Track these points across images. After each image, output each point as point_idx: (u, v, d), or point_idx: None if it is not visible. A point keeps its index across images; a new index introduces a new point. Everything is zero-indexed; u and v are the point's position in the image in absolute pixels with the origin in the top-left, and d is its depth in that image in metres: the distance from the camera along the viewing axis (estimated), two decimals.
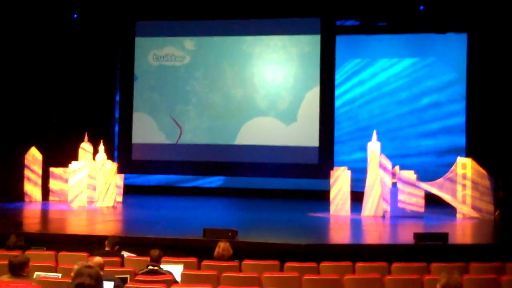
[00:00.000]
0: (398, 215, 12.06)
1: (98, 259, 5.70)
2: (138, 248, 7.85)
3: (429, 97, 16.30)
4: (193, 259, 6.92)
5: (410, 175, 12.34)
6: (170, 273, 6.15)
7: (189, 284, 6.03)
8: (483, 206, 12.02)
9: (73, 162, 13.35)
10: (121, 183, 14.34)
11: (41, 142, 14.80)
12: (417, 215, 11.96)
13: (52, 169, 14.34)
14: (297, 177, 16.43)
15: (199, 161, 16.82)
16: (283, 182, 16.61)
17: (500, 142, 14.16)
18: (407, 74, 16.54)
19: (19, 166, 13.97)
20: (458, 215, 12.10)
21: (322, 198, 13.88)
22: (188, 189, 17.27)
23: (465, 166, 12.16)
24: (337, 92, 16.62)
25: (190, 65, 17.10)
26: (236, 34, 16.96)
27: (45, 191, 14.20)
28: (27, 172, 13.95)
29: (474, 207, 12.03)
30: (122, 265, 6.81)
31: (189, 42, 17.15)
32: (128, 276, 5.94)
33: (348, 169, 12.58)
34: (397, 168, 12.70)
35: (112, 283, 5.14)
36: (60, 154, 15.00)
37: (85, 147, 14.13)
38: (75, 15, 16.44)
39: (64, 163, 13.92)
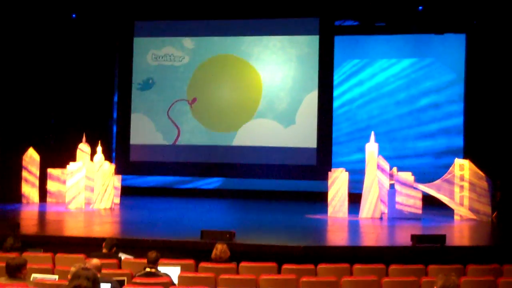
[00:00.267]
0: (396, 217, 12.06)
1: (95, 261, 5.69)
2: (136, 250, 7.82)
3: (427, 98, 16.30)
4: (190, 261, 6.92)
5: (408, 176, 12.34)
6: (168, 275, 6.15)
7: (186, 286, 6.02)
8: (481, 207, 12.03)
9: (71, 164, 13.32)
10: (118, 184, 14.29)
11: (38, 143, 14.77)
12: (415, 217, 11.96)
13: (49, 170, 14.31)
14: (295, 179, 16.41)
15: (197, 163, 16.80)
16: (281, 184, 16.60)
17: (498, 144, 14.17)
18: (406, 75, 16.55)
19: (17, 168, 13.94)
20: (456, 217, 12.10)
21: (319, 199, 13.86)
22: (186, 190, 17.25)
23: (462, 167, 12.16)
24: (336, 92, 16.62)
25: (188, 65, 17.08)
26: (235, 35, 16.94)
27: (43, 193, 14.17)
28: (24, 174, 13.92)
29: (471, 209, 12.03)
30: (120, 267, 6.80)
31: (188, 42, 17.14)
32: (125, 278, 5.93)
33: (346, 170, 12.58)
34: (394, 169, 12.70)
35: (110, 285, 5.13)
36: (57, 156, 14.97)
37: (83, 148, 14.10)
38: (74, 15, 16.43)
39: (62, 165, 13.90)
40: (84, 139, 14.17)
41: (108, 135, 17.38)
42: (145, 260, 6.33)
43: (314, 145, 16.20)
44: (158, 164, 16.94)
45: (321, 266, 6.87)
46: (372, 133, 12.51)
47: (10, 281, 5.30)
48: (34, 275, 5.90)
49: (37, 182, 14.04)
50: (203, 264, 6.75)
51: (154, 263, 6.22)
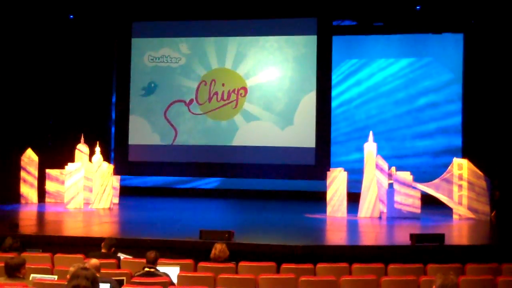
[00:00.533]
0: (395, 216, 12.07)
1: (94, 261, 5.69)
2: (135, 250, 7.83)
3: (425, 98, 16.33)
4: (189, 261, 6.91)
5: (407, 176, 12.35)
6: (167, 275, 6.14)
7: (185, 285, 6.02)
8: (480, 207, 12.04)
9: (69, 164, 13.33)
10: (117, 184, 14.31)
11: (37, 144, 14.77)
12: (414, 216, 11.97)
13: (48, 170, 14.32)
14: (294, 178, 16.42)
15: (195, 162, 16.79)
16: (279, 183, 16.61)
17: (496, 143, 14.19)
18: (404, 74, 16.57)
19: (15, 168, 13.93)
20: (455, 216, 12.11)
21: (318, 199, 13.86)
22: (185, 190, 17.26)
23: (461, 167, 12.17)
24: (334, 92, 16.63)
25: (185, 66, 17.08)
26: (232, 35, 16.94)
27: (41, 193, 14.18)
28: (23, 174, 13.92)
29: (470, 208, 12.05)
30: (119, 267, 6.80)
31: (184, 43, 17.13)
32: (124, 278, 5.92)
33: (345, 170, 12.59)
34: (393, 169, 12.71)
35: (109, 285, 5.12)
36: (56, 156, 14.97)
37: (81, 148, 14.10)
38: (71, 16, 16.42)
39: (60, 165, 13.90)
40: (82, 139, 14.18)
41: (106, 135, 17.38)
42: (144, 260, 6.33)
43: (313, 144, 16.20)
44: (156, 164, 16.94)
45: (320, 265, 6.87)
46: (371, 132, 12.52)
47: (9, 281, 5.30)
48: (33, 275, 5.90)
49: (35, 183, 14.04)
50: (202, 264, 6.75)
51: (153, 262, 6.23)
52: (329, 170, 12.89)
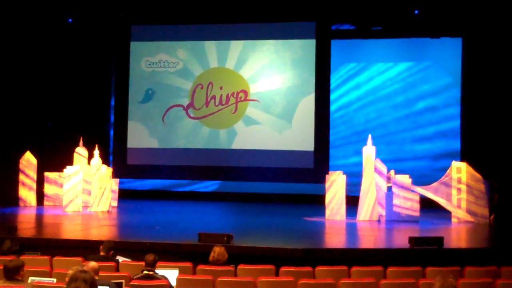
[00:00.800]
0: (393, 219, 12.08)
1: (93, 264, 5.69)
2: (133, 253, 7.82)
3: (424, 101, 16.34)
4: (188, 264, 6.91)
5: (405, 179, 12.36)
6: (166, 278, 6.14)
7: None
8: (478, 210, 12.05)
9: (68, 167, 13.32)
10: (116, 187, 14.30)
11: (35, 147, 14.76)
12: (412, 219, 11.97)
13: (46, 173, 14.30)
14: (293, 182, 16.42)
15: (194, 166, 16.79)
16: (278, 187, 16.60)
17: (495, 146, 14.22)
18: (402, 78, 16.58)
19: (14, 171, 13.92)
20: (453, 219, 12.11)
21: (317, 202, 13.87)
22: (183, 193, 17.24)
23: (460, 170, 12.18)
24: (333, 96, 16.65)
25: (183, 70, 17.09)
26: (231, 39, 16.96)
27: (40, 196, 14.15)
28: (21, 177, 13.90)
29: (469, 211, 12.05)
30: (117, 270, 6.79)
31: (182, 47, 17.14)
32: (123, 281, 5.91)
33: (344, 173, 12.60)
34: (392, 172, 12.72)
35: None
36: (55, 159, 14.96)
37: (80, 151, 14.09)
38: (70, 20, 16.43)
39: (59, 168, 13.88)
40: (81, 142, 14.17)
41: (105, 138, 17.36)
42: (143, 263, 6.32)
43: (312, 148, 16.22)
44: (155, 168, 16.94)
45: (319, 268, 6.86)
46: (369, 136, 12.53)
47: (8, 284, 5.29)
48: (31, 278, 5.89)
49: (34, 186, 14.02)
50: (201, 267, 6.75)
51: (152, 265, 6.22)
52: (327, 174, 12.90)
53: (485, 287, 6.10)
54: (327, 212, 12.43)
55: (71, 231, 10.49)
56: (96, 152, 13.39)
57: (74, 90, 16.75)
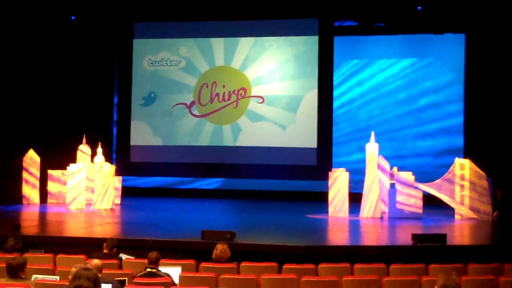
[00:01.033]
0: (396, 216, 12.06)
1: (96, 261, 5.70)
2: (136, 250, 7.83)
3: (427, 98, 16.32)
4: (191, 261, 6.92)
5: (408, 176, 12.34)
6: (169, 276, 6.15)
7: (187, 286, 6.02)
8: (481, 207, 12.02)
9: (71, 165, 13.34)
10: (119, 185, 14.33)
11: (39, 145, 14.77)
12: (415, 216, 11.96)
13: (50, 171, 14.33)
14: (295, 179, 16.43)
15: (197, 163, 16.82)
16: (281, 184, 16.61)
17: (498, 143, 14.18)
18: (405, 75, 16.56)
19: (17, 169, 13.95)
20: (456, 216, 12.10)
21: (320, 199, 13.87)
22: (186, 191, 17.27)
23: (463, 167, 12.16)
24: (335, 93, 16.64)
25: (185, 68, 17.09)
26: (234, 36, 16.96)
27: (43, 194, 14.19)
28: (25, 175, 13.93)
29: (472, 208, 12.03)
30: (120, 267, 6.81)
31: (184, 45, 17.14)
32: (126, 278, 5.93)
33: (347, 170, 12.58)
34: (395, 169, 12.71)
35: (110, 285, 5.12)
36: (58, 157, 14.98)
37: (83, 149, 14.12)
38: (73, 17, 16.44)
39: (62, 166, 13.91)
40: (84, 140, 14.20)
41: (108, 136, 17.39)
42: (146, 261, 6.33)
43: (314, 145, 16.22)
44: (158, 165, 16.96)
45: (321, 265, 6.87)
46: (372, 133, 12.51)
47: (11, 281, 5.30)
48: (35, 276, 5.90)
49: (37, 183, 14.05)
50: (204, 264, 6.75)
51: (155, 263, 6.23)
52: (330, 171, 12.89)
53: (488, 284, 6.09)
54: (330, 209, 12.43)
55: (74, 228, 10.51)
56: (99, 149, 13.41)
57: (77, 88, 16.77)
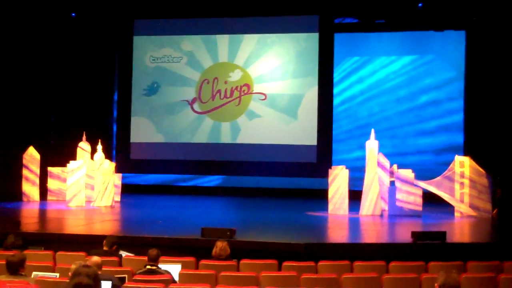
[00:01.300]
0: (396, 214, 12.06)
1: (96, 258, 5.70)
2: (136, 247, 7.83)
3: (427, 95, 16.31)
4: (191, 259, 6.92)
5: (408, 173, 12.34)
6: (168, 273, 6.15)
7: (187, 283, 6.02)
8: (481, 204, 12.02)
9: (71, 162, 13.34)
10: (119, 182, 14.33)
11: (39, 142, 14.77)
12: (415, 214, 11.95)
13: (50, 168, 14.32)
14: (295, 176, 16.43)
15: (197, 160, 16.81)
16: (281, 181, 16.61)
17: (498, 140, 14.17)
18: (406, 72, 16.55)
19: (17, 166, 13.94)
20: (456, 214, 12.10)
21: (320, 197, 13.87)
22: (186, 188, 17.27)
23: (463, 164, 12.15)
24: (336, 90, 16.63)
25: (187, 65, 17.07)
26: (235, 33, 16.94)
27: (43, 191, 14.18)
28: (25, 172, 13.93)
29: (472, 206, 12.03)
30: (120, 264, 6.81)
31: (186, 41, 17.12)
32: (126, 275, 5.93)
33: (346, 167, 12.58)
34: (395, 166, 12.71)
35: (110, 282, 5.13)
36: (58, 154, 14.98)
37: (83, 146, 14.12)
38: (73, 14, 16.42)
39: (62, 163, 13.90)
40: (84, 137, 14.19)
41: (108, 133, 17.39)
42: (145, 258, 6.33)
43: (314, 142, 16.21)
44: (158, 162, 16.96)
45: (321, 263, 6.87)
46: (372, 130, 12.50)
47: (11, 279, 5.30)
48: (35, 273, 5.91)
49: (37, 180, 14.05)
50: (203, 262, 6.76)
51: (155, 260, 6.23)
52: (330, 168, 12.88)
53: (488, 282, 6.09)
54: (330, 206, 12.43)
55: (74, 226, 10.51)
56: (99, 146, 13.41)
57: (77, 85, 16.75)
